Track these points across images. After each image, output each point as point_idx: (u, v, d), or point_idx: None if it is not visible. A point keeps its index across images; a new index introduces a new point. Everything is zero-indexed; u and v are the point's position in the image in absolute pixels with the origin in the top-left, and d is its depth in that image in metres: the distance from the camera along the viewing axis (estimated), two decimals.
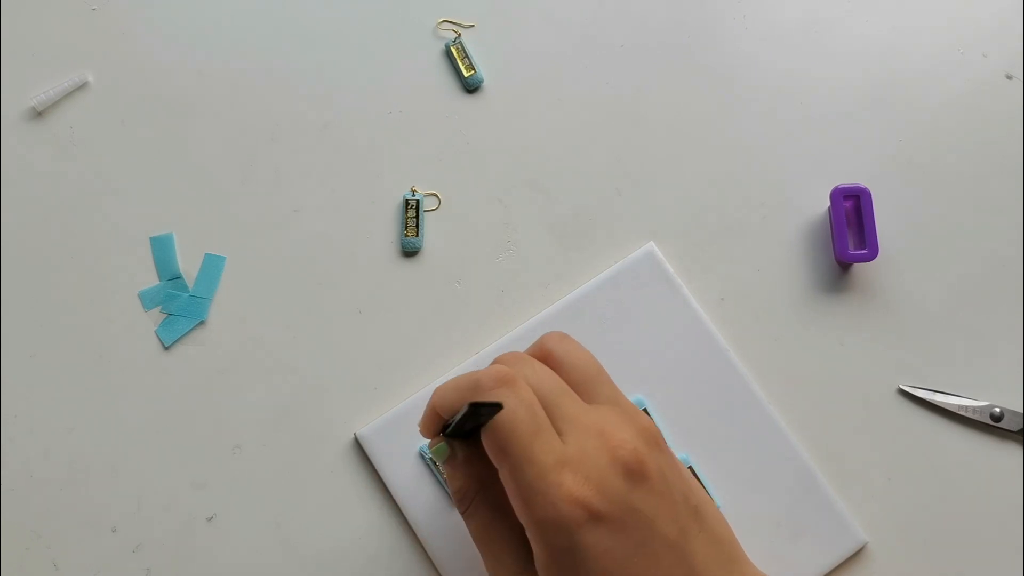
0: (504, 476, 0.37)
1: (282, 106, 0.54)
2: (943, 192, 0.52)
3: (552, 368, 0.40)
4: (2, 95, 0.55)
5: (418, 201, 0.53)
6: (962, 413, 0.49)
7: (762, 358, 0.51)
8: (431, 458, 0.41)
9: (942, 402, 0.49)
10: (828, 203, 0.51)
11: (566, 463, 0.36)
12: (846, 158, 0.52)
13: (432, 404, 0.40)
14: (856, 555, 0.49)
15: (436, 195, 0.53)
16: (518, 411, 0.36)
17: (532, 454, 0.36)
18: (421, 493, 0.49)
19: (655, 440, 0.39)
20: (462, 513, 0.41)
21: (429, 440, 0.42)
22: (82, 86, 0.55)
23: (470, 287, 0.52)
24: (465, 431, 0.39)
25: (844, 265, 0.51)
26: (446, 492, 0.49)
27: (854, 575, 0.49)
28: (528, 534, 0.37)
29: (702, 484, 0.49)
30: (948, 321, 0.50)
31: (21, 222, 0.53)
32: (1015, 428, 0.49)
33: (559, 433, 0.37)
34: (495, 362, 0.40)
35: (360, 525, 0.50)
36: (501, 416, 0.36)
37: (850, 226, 0.50)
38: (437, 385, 0.41)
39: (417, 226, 0.52)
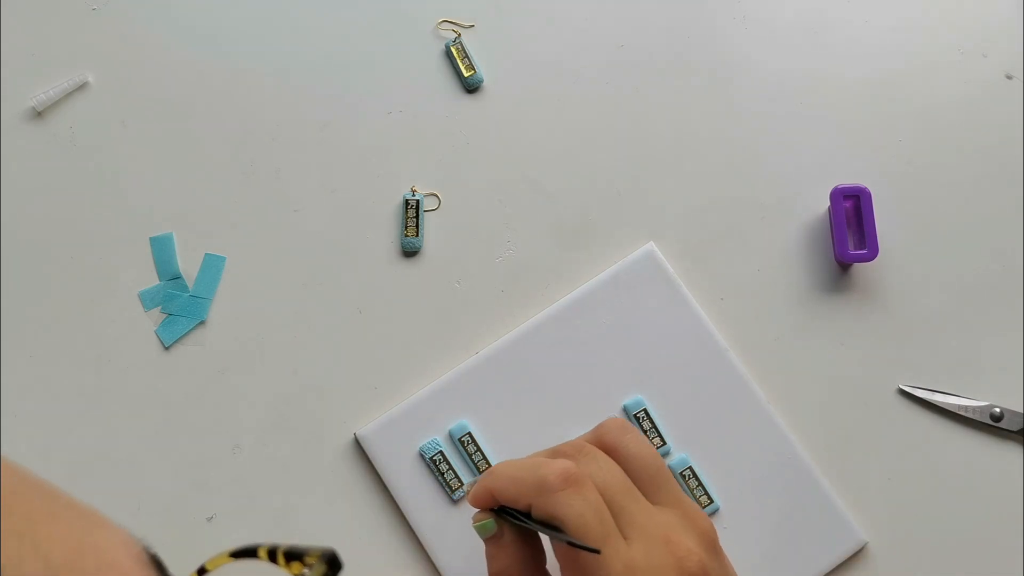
0: None
1: (282, 106, 0.54)
2: (943, 192, 0.52)
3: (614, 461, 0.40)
4: (2, 95, 0.55)
5: (418, 201, 0.53)
6: (962, 413, 0.49)
7: (762, 358, 0.51)
8: (476, 530, 0.41)
9: (942, 402, 0.49)
10: (828, 203, 0.51)
11: (634, 570, 0.36)
12: (846, 158, 0.52)
13: (488, 486, 0.40)
14: (856, 555, 0.49)
15: (436, 195, 0.53)
16: (586, 515, 0.37)
17: (600, 560, 0.36)
18: (421, 493, 0.49)
19: (714, 545, 0.39)
20: None
21: (475, 511, 0.42)
22: (82, 86, 0.55)
23: (470, 287, 0.52)
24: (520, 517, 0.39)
25: (844, 265, 0.51)
26: (446, 492, 0.49)
27: (854, 575, 0.49)
28: None
29: (702, 484, 0.49)
30: (948, 321, 0.50)
31: (21, 222, 0.53)
32: (1015, 428, 0.49)
33: (624, 537, 0.37)
34: (558, 452, 0.40)
35: (360, 525, 0.50)
36: (571, 520, 0.37)
37: (850, 226, 0.50)
38: (495, 468, 0.40)
39: (417, 226, 0.52)
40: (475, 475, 0.49)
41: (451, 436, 0.50)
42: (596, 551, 0.35)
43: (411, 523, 0.49)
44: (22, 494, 0.25)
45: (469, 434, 0.49)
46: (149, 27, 0.55)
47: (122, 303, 0.53)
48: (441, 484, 0.49)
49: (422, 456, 0.49)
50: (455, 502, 0.49)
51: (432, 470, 0.49)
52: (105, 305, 0.52)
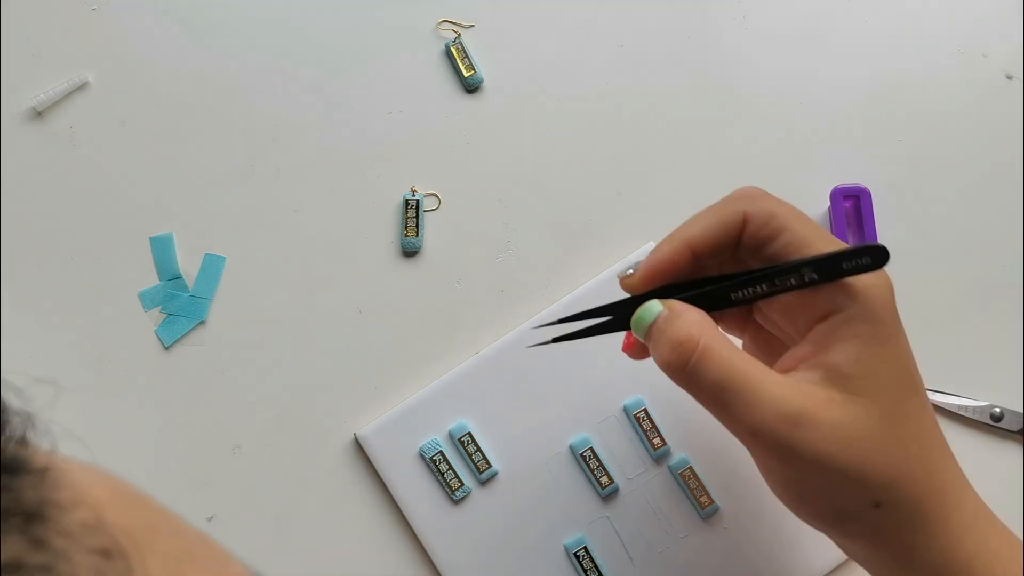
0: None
1: (282, 106, 0.54)
2: (943, 192, 0.52)
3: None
4: (2, 95, 0.55)
5: (418, 201, 0.53)
6: (962, 413, 0.49)
7: None
8: (640, 318, 0.35)
9: (942, 402, 0.49)
10: (828, 203, 0.51)
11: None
12: (846, 158, 0.52)
13: (684, 238, 0.36)
14: None
15: (436, 195, 0.53)
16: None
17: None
18: (421, 493, 0.49)
19: None
20: (684, 371, 0.35)
21: (633, 294, 0.37)
22: (82, 86, 0.55)
23: (470, 287, 0.52)
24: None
25: None
26: (446, 492, 0.49)
27: (854, 575, 0.49)
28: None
29: (702, 484, 0.49)
30: (948, 321, 0.50)
31: (21, 222, 0.53)
32: (1015, 428, 0.49)
33: None
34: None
35: (360, 525, 0.50)
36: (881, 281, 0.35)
37: (850, 226, 0.50)
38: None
39: (417, 226, 0.52)
40: (476, 476, 0.49)
41: (451, 436, 0.50)
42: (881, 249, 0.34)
43: (411, 523, 0.49)
44: (162, 531, 0.23)
45: (469, 434, 0.49)
46: (149, 27, 0.55)
47: (122, 303, 0.53)
48: (441, 484, 0.49)
49: (422, 456, 0.49)
50: (455, 502, 0.49)
51: (432, 470, 0.49)
52: (105, 305, 0.52)
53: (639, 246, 0.52)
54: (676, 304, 0.36)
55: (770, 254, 0.36)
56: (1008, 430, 0.49)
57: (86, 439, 0.54)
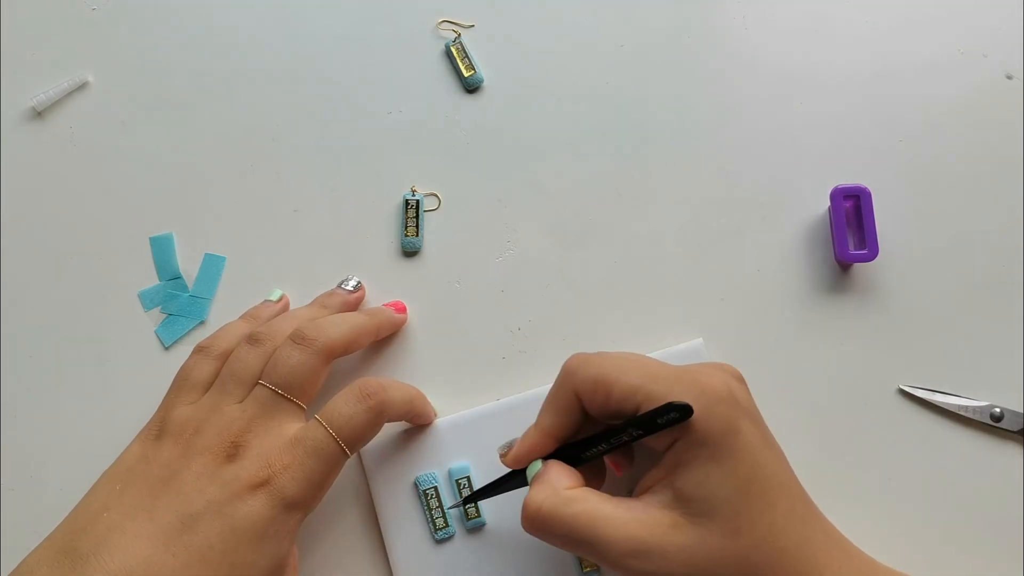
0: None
1: (282, 106, 0.54)
2: (943, 192, 0.52)
3: None
4: (2, 95, 0.55)
5: (418, 201, 0.53)
6: (962, 413, 0.49)
7: (762, 358, 0.51)
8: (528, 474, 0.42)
9: (942, 402, 0.49)
10: (828, 203, 0.51)
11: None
12: (846, 158, 0.52)
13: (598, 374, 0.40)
14: None
15: (436, 195, 0.53)
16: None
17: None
18: (406, 522, 0.48)
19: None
20: (536, 532, 0.40)
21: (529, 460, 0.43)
22: (82, 86, 0.55)
23: (470, 287, 0.52)
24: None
25: (844, 265, 0.51)
26: (430, 528, 0.48)
27: None
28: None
29: None
30: (948, 321, 0.50)
31: (21, 222, 0.53)
32: (1015, 428, 0.49)
33: None
34: None
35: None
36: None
37: (850, 226, 0.50)
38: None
39: (417, 226, 0.52)
40: (463, 521, 0.48)
41: (450, 475, 0.48)
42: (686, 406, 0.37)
43: (388, 550, 0.48)
44: None
45: (468, 478, 0.48)
46: (149, 27, 0.55)
47: (122, 303, 0.53)
48: (427, 519, 0.48)
49: (416, 486, 0.48)
50: (437, 541, 0.48)
51: (422, 503, 0.48)
52: (105, 305, 0.53)
53: (639, 247, 0.52)
54: (549, 463, 0.42)
55: (612, 412, 0.40)
56: (1008, 430, 0.49)
57: (86, 439, 0.54)
